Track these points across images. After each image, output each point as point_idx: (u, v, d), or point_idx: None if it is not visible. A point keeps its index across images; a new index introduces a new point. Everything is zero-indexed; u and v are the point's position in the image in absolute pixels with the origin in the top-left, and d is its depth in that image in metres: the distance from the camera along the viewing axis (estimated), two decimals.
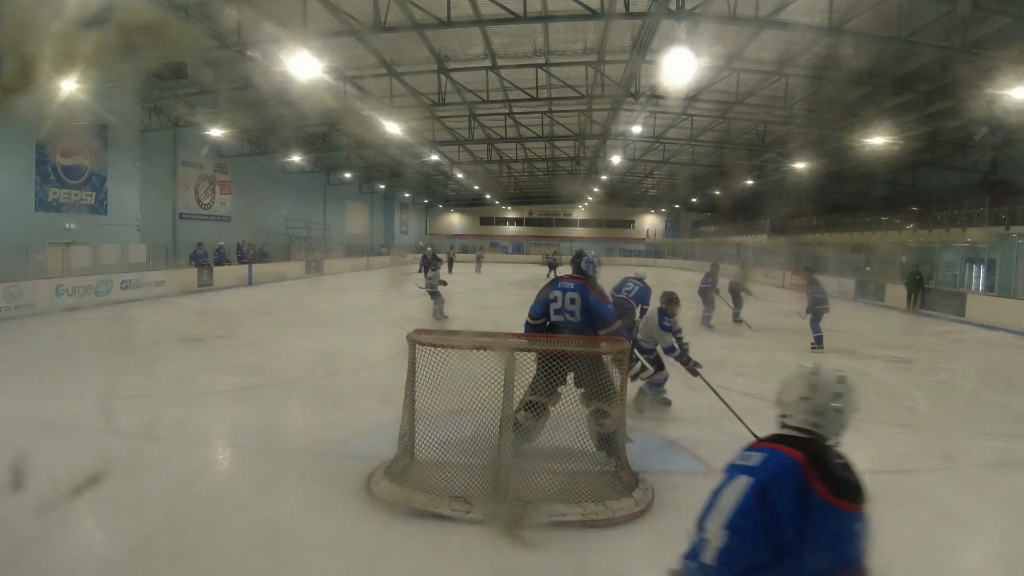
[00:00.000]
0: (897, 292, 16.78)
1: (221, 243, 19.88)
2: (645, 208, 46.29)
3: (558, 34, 12.36)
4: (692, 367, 5.12)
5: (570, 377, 3.80)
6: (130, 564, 2.80)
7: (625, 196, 39.68)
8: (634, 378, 4.12)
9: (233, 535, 3.05)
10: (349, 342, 9.58)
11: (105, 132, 15.73)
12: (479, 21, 10.67)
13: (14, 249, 12.45)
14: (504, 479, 3.37)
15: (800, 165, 20.50)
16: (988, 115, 12.92)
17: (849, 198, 26.29)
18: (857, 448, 4.38)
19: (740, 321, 11.32)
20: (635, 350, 5.31)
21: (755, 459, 1.40)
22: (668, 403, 5.53)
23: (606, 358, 3.82)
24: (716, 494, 1.41)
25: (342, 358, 7.59)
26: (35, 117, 9.19)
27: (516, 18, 10.30)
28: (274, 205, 25.86)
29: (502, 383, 3.40)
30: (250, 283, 19.73)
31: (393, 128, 16.20)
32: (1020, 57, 9.56)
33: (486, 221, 49.30)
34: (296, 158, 22.60)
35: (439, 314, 11.28)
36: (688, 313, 10.84)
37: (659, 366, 5.40)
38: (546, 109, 17.67)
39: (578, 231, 48.10)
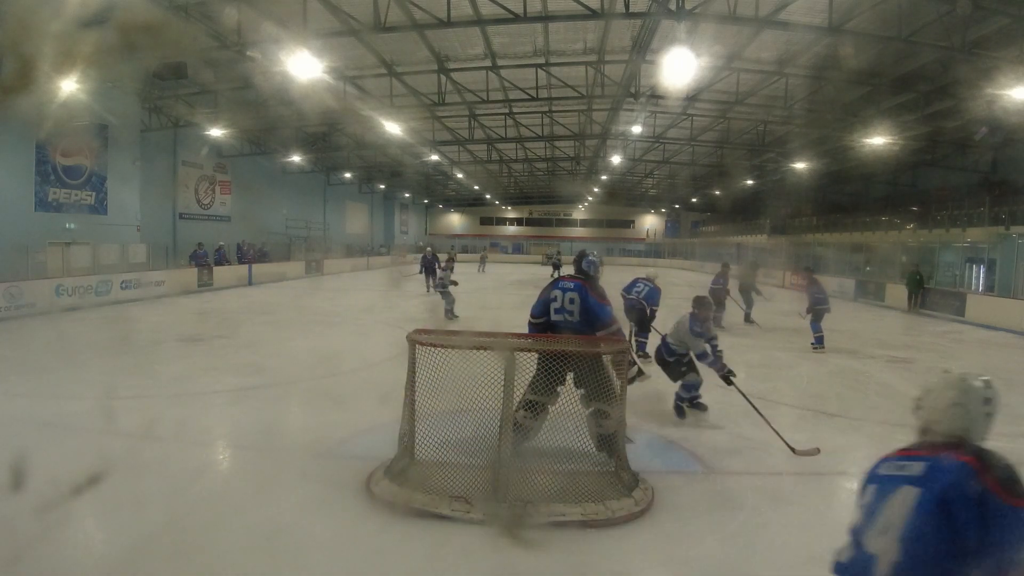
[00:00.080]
0: (897, 292, 16.79)
1: (221, 243, 19.88)
2: (645, 208, 46.30)
3: (558, 34, 12.36)
4: (726, 374, 4.91)
5: (570, 377, 3.80)
6: (130, 564, 2.80)
7: (625, 196, 39.69)
8: (631, 381, 4.08)
9: (233, 535, 3.05)
10: (349, 342, 9.58)
11: (105, 132, 15.73)
12: (479, 21, 10.67)
13: (14, 249, 12.46)
14: (504, 479, 3.37)
15: (800, 165, 20.50)
16: (988, 115, 12.92)
17: (849, 198, 26.29)
18: (857, 448, 4.41)
19: (752, 321, 11.32)
20: (665, 353, 5.23)
21: (916, 468, 1.36)
22: (704, 408, 5.36)
23: (606, 359, 3.82)
24: (872, 507, 1.39)
25: (342, 358, 7.59)
26: (35, 117, 9.18)
27: (516, 18, 10.30)
28: (274, 205, 25.86)
29: (502, 383, 3.40)
30: (250, 283, 19.73)
31: (393, 128, 16.20)
32: (1020, 57, 9.56)
33: (486, 221, 49.31)
34: (296, 158, 22.60)
35: (450, 313, 11.44)
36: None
37: (691, 368, 5.19)
38: (546, 109, 17.68)
39: (578, 231, 48.11)
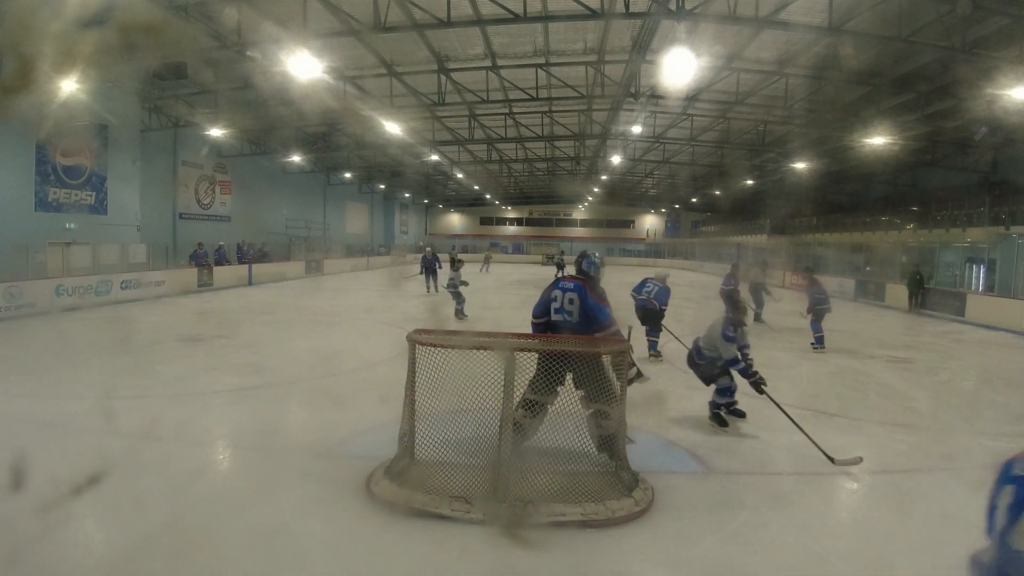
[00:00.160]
0: (897, 292, 16.79)
1: (221, 243, 19.88)
2: (645, 208, 46.31)
3: (558, 34, 12.36)
4: (757, 382, 4.73)
5: (569, 378, 3.80)
6: (130, 564, 2.80)
7: (625, 196, 39.72)
8: (630, 382, 4.06)
9: (233, 535, 3.05)
10: (349, 342, 9.58)
11: (105, 132, 15.73)
12: (479, 21, 10.67)
13: (14, 249, 12.46)
14: (504, 479, 3.37)
15: (800, 165, 20.50)
16: (988, 115, 12.91)
17: (849, 198, 26.29)
18: (857, 448, 4.41)
19: (762, 321, 11.32)
20: (696, 356, 5.11)
21: None
22: (743, 415, 5.19)
23: (605, 359, 3.82)
24: (1017, 507, 1.40)
25: (342, 358, 7.59)
26: (35, 117, 9.18)
27: (516, 18, 10.30)
28: (274, 205, 25.87)
29: (502, 383, 3.40)
30: (250, 283, 19.73)
31: (393, 128, 16.21)
32: (1020, 57, 9.56)
33: (486, 221, 49.31)
34: (296, 158, 22.61)
35: (460, 313, 11.55)
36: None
37: (724, 371, 5.00)
38: (546, 109, 17.68)
39: (578, 231, 48.12)
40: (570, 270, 4.46)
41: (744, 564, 2.94)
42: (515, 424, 3.53)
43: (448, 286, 11.96)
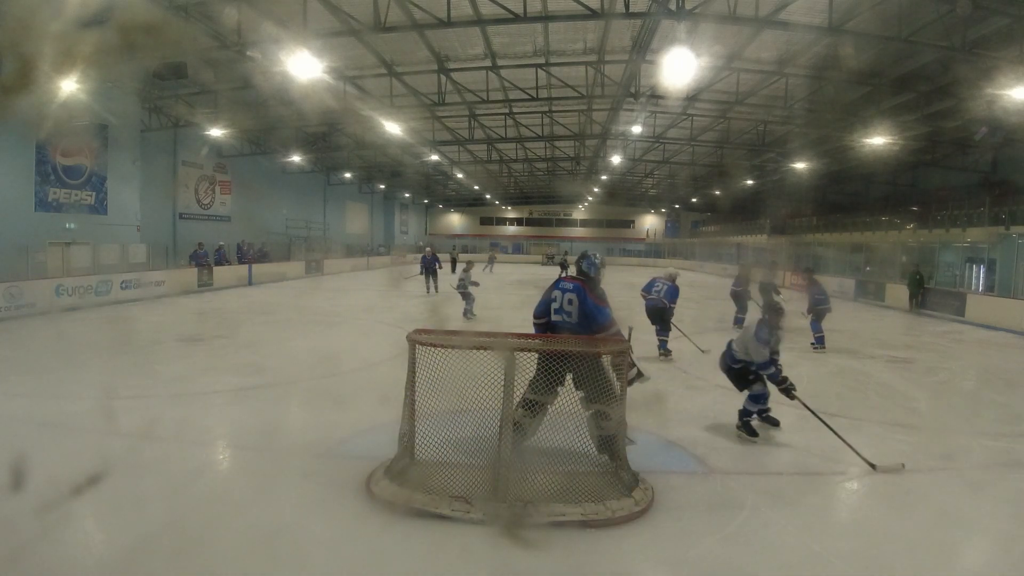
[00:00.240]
0: (897, 292, 16.79)
1: (221, 243, 19.89)
2: (645, 208, 46.31)
3: (558, 34, 12.36)
4: (788, 388, 4.57)
5: (569, 378, 3.80)
6: (130, 564, 2.80)
7: (625, 196, 39.72)
8: (631, 382, 4.05)
9: (233, 535, 3.05)
10: (349, 342, 9.58)
11: (105, 132, 15.73)
12: (479, 21, 10.67)
13: (14, 249, 12.46)
14: (504, 479, 3.37)
15: (800, 165, 20.50)
16: (988, 115, 12.92)
17: (849, 198, 26.28)
18: (857, 448, 4.40)
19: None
20: (729, 360, 4.87)
21: None
22: (776, 423, 4.98)
23: (605, 360, 3.81)
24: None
25: (342, 358, 7.59)
26: (35, 117, 9.18)
27: (516, 18, 10.30)
28: (274, 205, 25.86)
29: (502, 383, 3.40)
30: (250, 283, 19.73)
31: (393, 128, 16.20)
32: (1020, 57, 9.56)
33: (486, 221, 49.31)
34: (296, 158, 22.60)
35: (469, 313, 11.60)
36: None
37: (759, 377, 4.76)
38: (546, 109, 17.67)
39: (578, 231, 48.12)
40: (573, 271, 4.45)
41: (744, 564, 2.94)
42: (515, 424, 3.53)
43: (458, 286, 12.01)
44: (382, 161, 26.34)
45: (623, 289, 18.54)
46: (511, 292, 18.50)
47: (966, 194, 17.97)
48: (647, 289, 8.26)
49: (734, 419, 5.17)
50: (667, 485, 3.73)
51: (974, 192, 17.80)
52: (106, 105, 13.72)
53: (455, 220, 49.60)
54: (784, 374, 4.65)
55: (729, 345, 4.97)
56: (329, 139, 21.96)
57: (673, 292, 8.07)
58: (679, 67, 10.02)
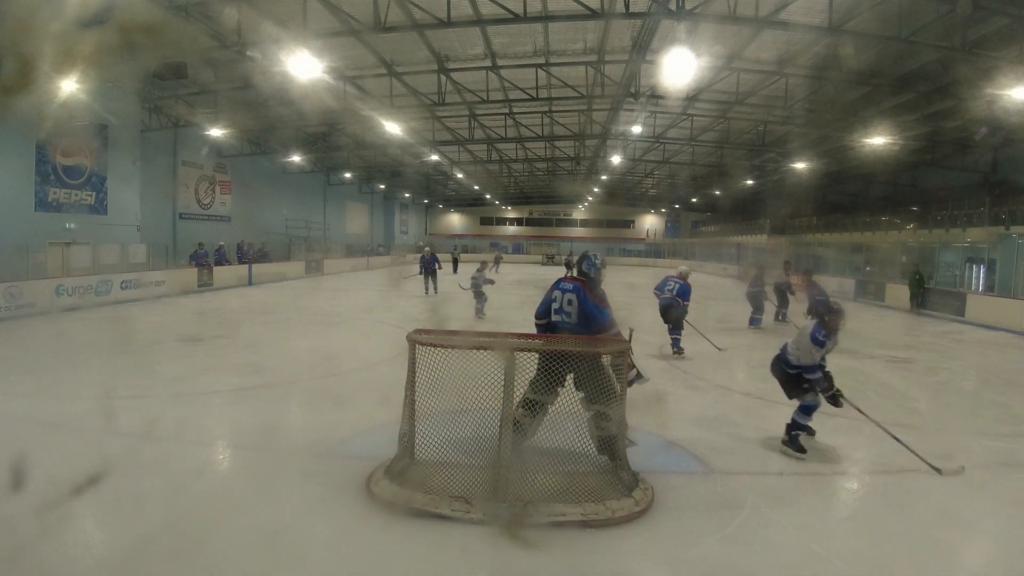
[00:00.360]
0: (897, 292, 16.78)
1: (221, 243, 19.89)
2: (645, 208, 46.29)
3: (558, 34, 12.36)
4: (835, 395, 4.33)
5: (570, 379, 3.80)
6: (130, 564, 2.80)
7: (625, 196, 39.69)
8: (630, 383, 4.04)
9: (233, 535, 3.05)
10: (349, 342, 9.58)
11: (105, 132, 15.73)
12: (479, 21, 10.67)
13: (14, 249, 12.46)
14: (504, 479, 3.37)
15: (800, 165, 20.49)
16: (988, 115, 12.91)
17: (849, 198, 26.28)
18: (857, 448, 4.41)
19: (787, 320, 11.34)
20: (784, 364, 4.53)
21: None
22: (812, 432, 4.65)
23: (605, 360, 3.81)
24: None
25: (342, 358, 7.59)
26: (35, 117, 9.18)
27: (516, 18, 10.30)
28: (274, 205, 25.85)
29: (502, 383, 3.40)
30: (250, 283, 19.73)
31: (393, 128, 16.19)
32: (1020, 57, 9.56)
33: (486, 221, 49.30)
34: (296, 158, 22.60)
35: (480, 313, 11.67)
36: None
37: (813, 387, 4.41)
38: (546, 109, 17.67)
39: (578, 231, 48.11)
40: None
41: (744, 564, 2.94)
42: (515, 424, 3.53)
43: (471, 286, 12.08)
44: (382, 161, 26.34)
45: (623, 289, 18.54)
46: (511, 292, 18.49)
47: (966, 194, 17.97)
48: (660, 288, 8.33)
49: (734, 419, 5.16)
50: (667, 485, 3.73)
51: (974, 192, 17.80)
52: (106, 105, 13.72)
53: (455, 220, 49.59)
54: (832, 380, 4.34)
55: (784, 349, 4.61)
56: (329, 139, 21.96)
57: (685, 290, 8.14)
58: (679, 67, 10.01)
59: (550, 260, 40.40)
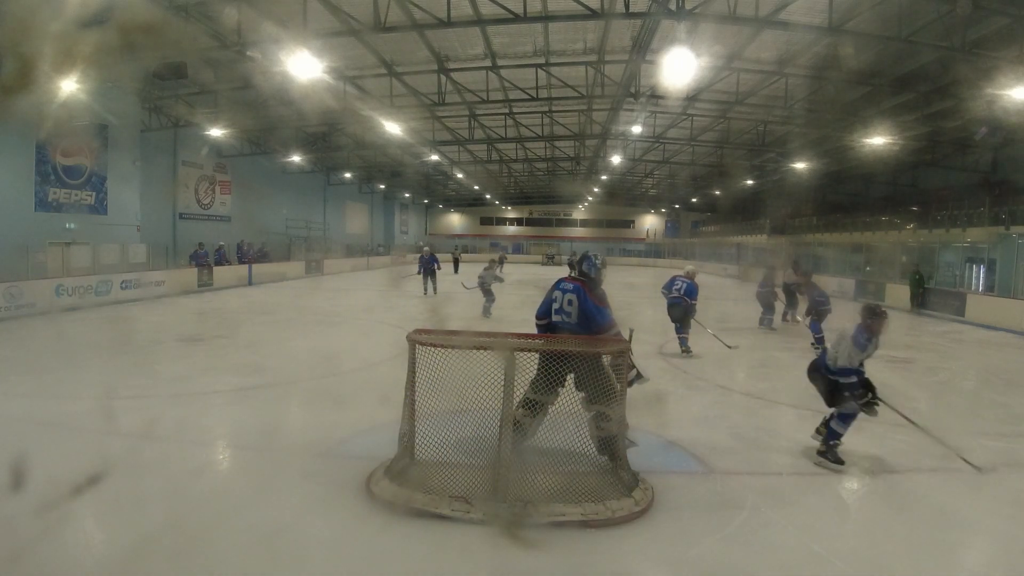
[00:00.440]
0: (897, 292, 16.78)
1: (221, 243, 19.88)
2: (645, 208, 46.30)
3: (558, 34, 12.36)
4: (869, 402, 4.16)
5: (570, 379, 3.80)
6: (130, 564, 2.80)
7: (625, 196, 39.70)
8: (630, 383, 4.03)
9: (233, 535, 3.05)
10: (349, 342, 9.58)
11: (105, 132, 15.73)
12: (479, 21, 10.67)
13: (14, 249, 12.45)
14: (504, 479, 3.37)
15: (800, 165, 20.50)
16: (988, 115, 12.92)
17: (849, 198, 26.29)
18: (857, 448, 4.41)
19: (796, 320, 11.35)
20: (824, 369, 4.39)
21: None
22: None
23: (605, 360, 3.81)
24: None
25: (342, 358, 7.59)
26: (35, 117, 9.18)
27: (516, 18, 10.30)
28: (274, 205, 25.85)
29: (502, 383, 3.40)
30: (250, 283, 19.73)
31: (393, 128, 16.20)
32: (1020, 57, 9.56)
33: (486, 221, 49.30)
34: (296, 158, 22.60)
35: (487, 312, 11.75)
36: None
37: (854, 393, 4.19)
38: (546, 109, 17.67)
39: (578, 231, 48.12)
40: None
41: (744, 564, 2.94)
42: (515, 423, 3.53)
43: (479, 284, 12.13)
44: (382, 161, 26.34)
45: (623, 289, 18.53)
46: (512, 292, 18.47)
47: (966, 194, 17.96)
48: (667, 287, 8.38)
49: (734, 419, 5.14)
50: (667, 485, 3.73)
51: (974, 192, 17.79)
52: (106, 105, 13.72)
53: (455, 220, 49.58)
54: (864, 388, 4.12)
55: (823, 353, 4.48)
56: (329, 139, 21.96)
57: (693, 289, 8.22)
58: (679, 67, 10.02)
59: (550, 260, 40.36)
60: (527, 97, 15.48)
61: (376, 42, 12.32)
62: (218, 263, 18.81)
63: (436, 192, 42.02)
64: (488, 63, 13.44)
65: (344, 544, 3.06)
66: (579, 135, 20.82)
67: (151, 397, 5.66)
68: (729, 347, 8.46)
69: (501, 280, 12.19)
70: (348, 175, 30.33)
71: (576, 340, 3.88)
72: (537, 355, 3.75)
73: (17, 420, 4.86)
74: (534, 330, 4.26)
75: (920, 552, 3.12)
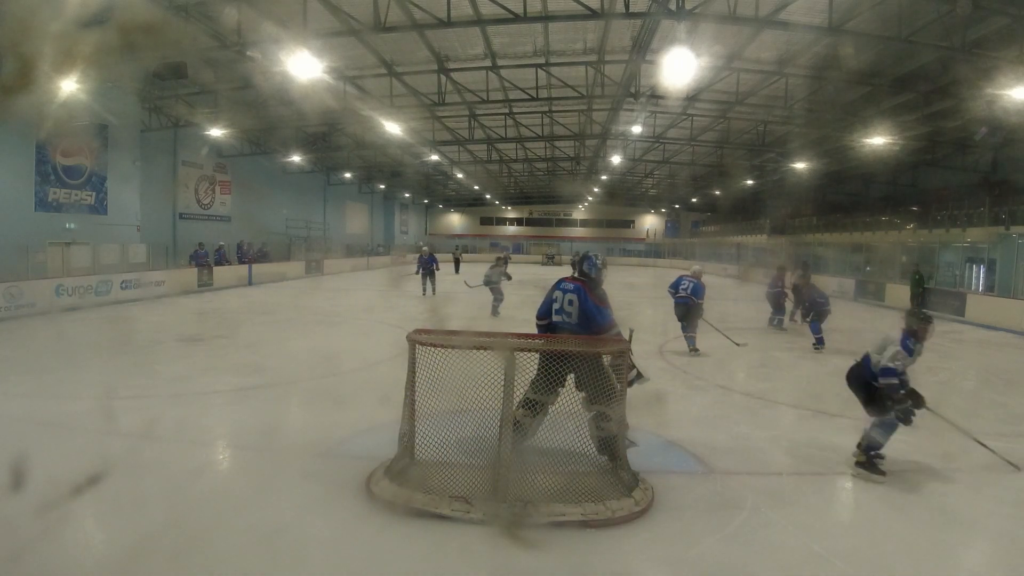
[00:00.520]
0: (897, 292, 16.78)
1: (221, 243, 19.88)
2: (645, 208, 46.29)
3: (558, 34, 12.35)
4: (907, 409, 3.92)
5: (570, 379, 3.80)
6: (130, 564, 2.80)
7: (625, 196, 39.69)
8: (630, 383, 4.03)
9: (233, 535, 3.05)
10: (349, 342, 9.58)
11: (105, 132, 15.73)
12: (479, 21, 10.66)
13: (14, 249, 12.46)
14: (504, 479, 3.37)
15: (800, 165, 20.49)
16: (988, 115, 12.92)
17: (849, 198, 26.29)
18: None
19: (805, 320, 11.35)
20: (867, 375, 4.24)
21: None
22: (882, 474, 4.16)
23: (605, 360, 3.81)
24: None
25: (342, 358, 7.59)
26: (35, 117, 9.18)
27: (516, 18, 10.30)
28: (274, 205, 25.87)
29: (502, 383, 3.40)
30: (250, 283, 19.73)
31: (393, 128, 16.20)
32: (1020, 57, 9.55)
33: (486, 221, 49.29)
34: (296, 158, 22.60)
35: (496, 311, 11.84)
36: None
37: (900, 403, 3.96)
38: (546, 109, 17.66)
39: (578, 231, 48.11)
40: None
41: (744, 564, 2.94)
42: (515, 424, 3.53)
43: (484, 282, 12.20)
44: (382, 161, 26.33)
45: (623, 289, 18.52)
46: (511, 292, 18.45)
47: (966, 194, 17.96)
48: (674, 287, 8.41)
49: (734, 419, 5.13)
50: (667, 485, 3.73)
51: (974, 192, 17.79)
52: (106, 105, 13.71)
53: (455, 220, 49.57)
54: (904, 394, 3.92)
55: (865, 358, 4.31)
56: (329, 139, 21.95)
57: (699, 289, 8.26)
58: (679, 67, 10.02)
59: (550, 260, 40.33)
60: (527, 97, 15.48)
61: (376, 42, 12.32)
62: (218, 263, 18.81)
63: (436, 192, 42.02)
64: (488, 63, 13.44)
65: (344, 544, 3.06)
66: (579, 135, 20.82)
67: (151, 397, 5.66)
68: (738, 344, 8.49)
69: (509, 278, 12.20)
70: (348, 175, 30.34)
71: (576, 340, 3.88)
72: (537, 355, 3.76)
73: (17, 420, 4.86)
74: (535, 330, 4.26)
75: (920, 552, 3.12)
